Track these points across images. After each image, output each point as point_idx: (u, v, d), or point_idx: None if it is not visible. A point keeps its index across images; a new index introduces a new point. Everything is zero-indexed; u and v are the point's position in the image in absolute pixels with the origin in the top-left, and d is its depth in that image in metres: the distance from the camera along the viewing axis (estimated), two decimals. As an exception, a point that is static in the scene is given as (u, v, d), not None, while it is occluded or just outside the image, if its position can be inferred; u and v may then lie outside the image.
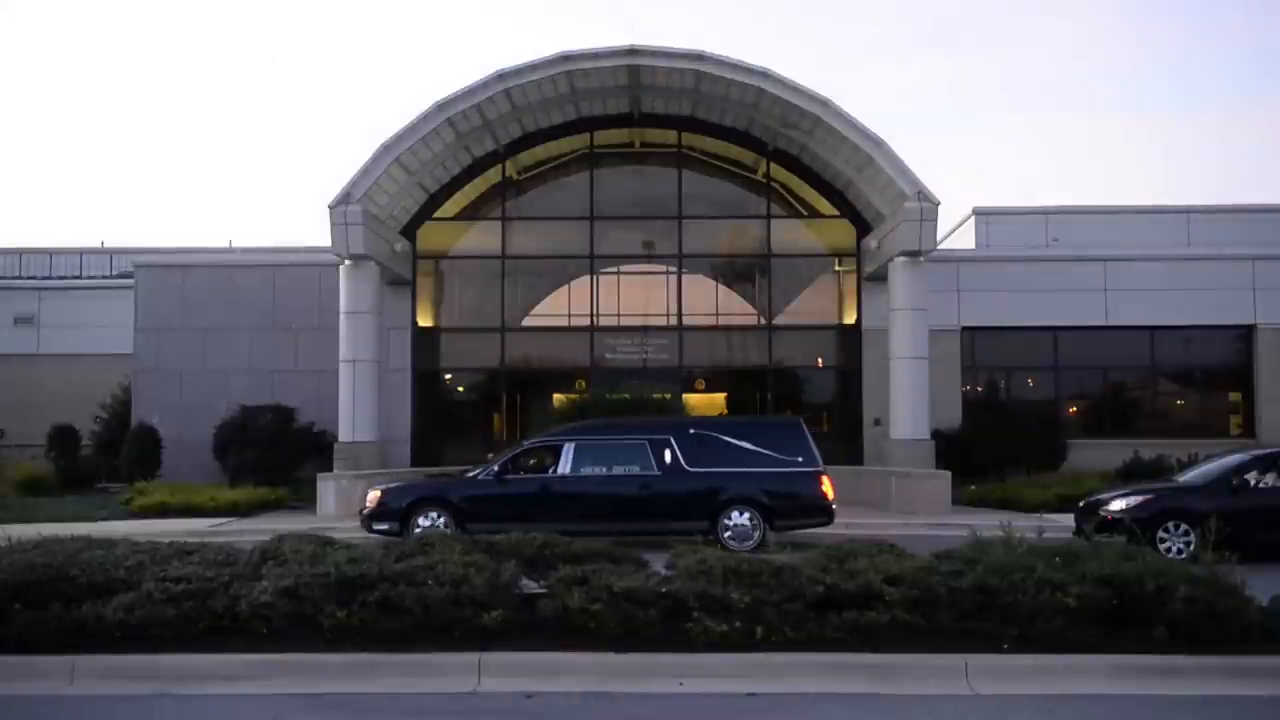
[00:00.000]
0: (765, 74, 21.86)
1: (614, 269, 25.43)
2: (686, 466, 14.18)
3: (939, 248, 23.27)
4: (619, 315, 25.23)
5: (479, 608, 7.58)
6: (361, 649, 7.44)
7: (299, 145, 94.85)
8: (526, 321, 25.56)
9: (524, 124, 24.28)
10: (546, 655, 7.44)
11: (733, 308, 25.61)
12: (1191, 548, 12.79)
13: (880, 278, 23.51)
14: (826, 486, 14.37)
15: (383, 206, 22.61)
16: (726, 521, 13.90)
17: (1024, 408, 24.42)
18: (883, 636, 7.47)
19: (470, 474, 14.77)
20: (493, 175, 25.24)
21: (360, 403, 21.71)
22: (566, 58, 22.00)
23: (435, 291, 25.82)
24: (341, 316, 22.08)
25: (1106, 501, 14.41)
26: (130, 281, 26.05)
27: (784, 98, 22.03)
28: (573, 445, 14.43)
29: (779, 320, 25.39)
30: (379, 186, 21.95)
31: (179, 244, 32.07)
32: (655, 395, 20.28)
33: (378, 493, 14.58)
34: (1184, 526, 13.44)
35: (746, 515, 14.00)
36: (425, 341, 25.16)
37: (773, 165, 25.03)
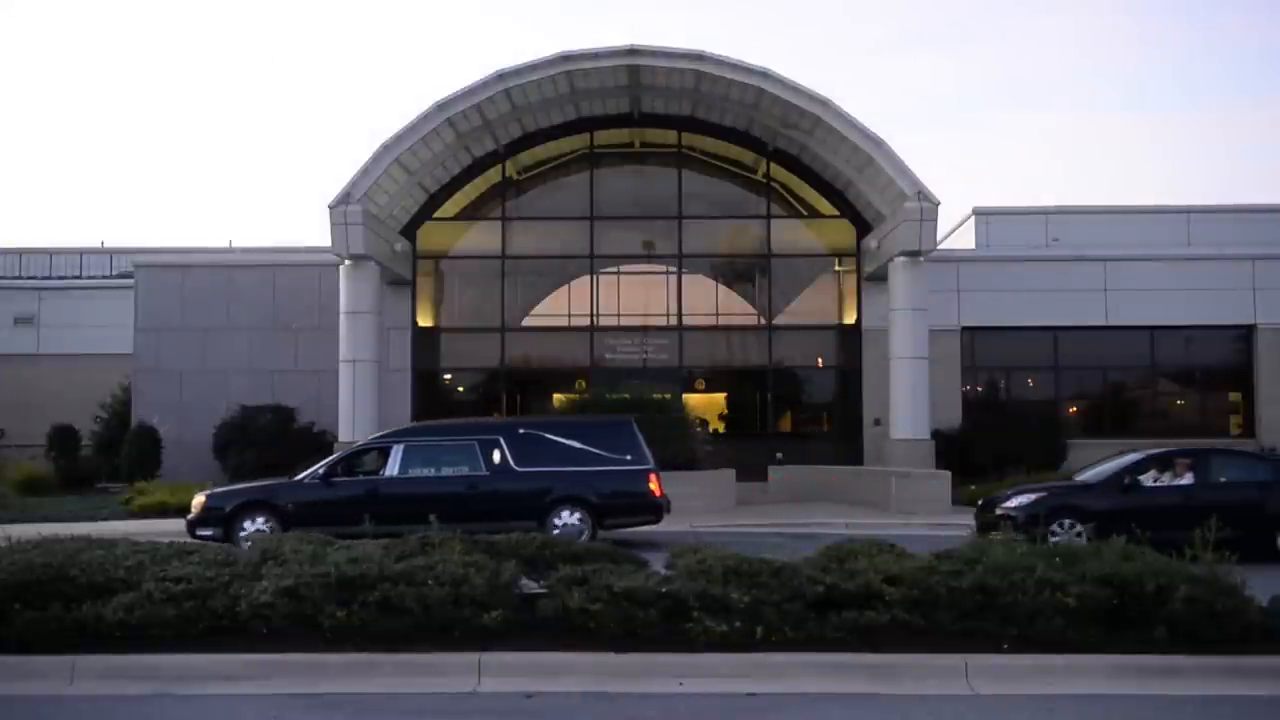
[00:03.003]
0: (765, 74, 21.87)
1: (614, 269, 25.44)
2: (515, 466, 14.16)
3: (939, 248, 23.29)
4: (619, 315, 25.24)
5: (479, 608, 7.58)
6: (361, 649, 7.43)
7: (299, 145, 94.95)
8: (526, 321, 25.57)
9: (524, 124, 24.29)
10: (546, 655, 7.44)
11: (733, 308, 25.62)
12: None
13: (880, 278, 23.51)
14: (655, 485, 14.37)
15: (383, 206, 22.61)
16: (555, 521, 13.83)
17: (1024, 408, 24.42)
18: (883, 636, 7.46)
19: (298, 477, 14.62)
20: (493, 175, 25.25)
21: (360, 403, 21.71)
22: (566, 58, 22.01)
23: (435, 291, 25.82)
24: (341, 316, 22.09)
25: (1004, 499, 14.54)
26: (130, 281, 26.06)
27: (784, 98, 22.04)
28: (401, 447, 14.38)
29: (779, 320, 25.39)
30: (379, 186, 21.96)
31: (179, 244, 32.00)
32: (655, 395, 20.28)
33: (202, 497, 14.37)
34: (1074, 523, 13.62)
35: (575, 514, 13.99)
36: (425, 341, 25.16)
37: (773, 165, 25.04)
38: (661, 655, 7.38)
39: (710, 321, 25.37)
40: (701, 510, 18.58)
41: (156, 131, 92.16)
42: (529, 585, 8.22)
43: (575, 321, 25.21)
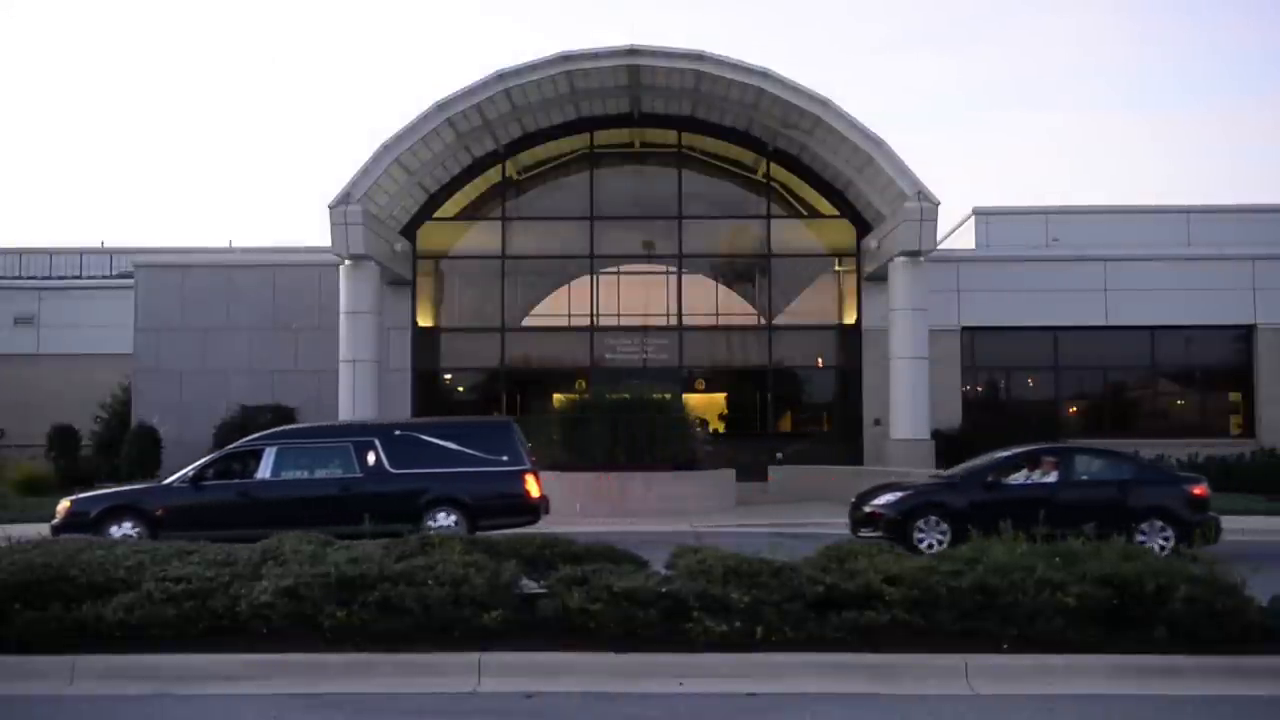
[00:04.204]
0: (765, 74, 21.88)
1: (614, 269, 25.45)
2: (390, 468, 13.98)
3: (939, 248, 23.30)
4: (619, 315, 25.24)
5: (479, 608, 7.57)
6: (361, 649, 7.43)
7: (299, 145, 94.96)
8: (526, 321, 25.58)
9: (524, 124, 24.29)
10: (546, 655, 7.44)
11: (733, 308, 25.62)
12: (945, 541, 13.29)
13: (880, 278, 23.52)
14: (532, 485, 14.25)
15: (383, 206, 22.62)
16: (430, 522, 13.60)
17: (1024, 408, 24.44)
18: (883, 636, 7.46)
19: (167, 481, 14.39)
20: (493, 175, 25.26)
21: (360, 403, 21.71)
22: (566, 58, 22.01)
23: (435, 291, 25.83)
24: (341, 316, 22.09)
25: (872, 496, 14.63)
26: (130, 281, 26.07)
27: (784, 98, 22.05)
28: (274, 449, 14.14)
29: (779, 320, 25.40)
30: (379, 186, 21.96)
31: (179, 244, 31.99)
32: (655, 395, 20.29)
33: (67, 502, 14.04)
34: (938, 520, 13.76)
35: (451, 516, 13.85)
36: (425, 341, 25.17)
37: (773, 165, 25.04)
38: (661, 655, 7.38)
39: (710, 321, 25.38)
40: (701, 510, 18.60)
41: (156, 131, 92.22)
42: (529, 585, 8.22)
43: (575, 321, 25.22)
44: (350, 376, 21.80)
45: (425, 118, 22.05)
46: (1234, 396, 25.43)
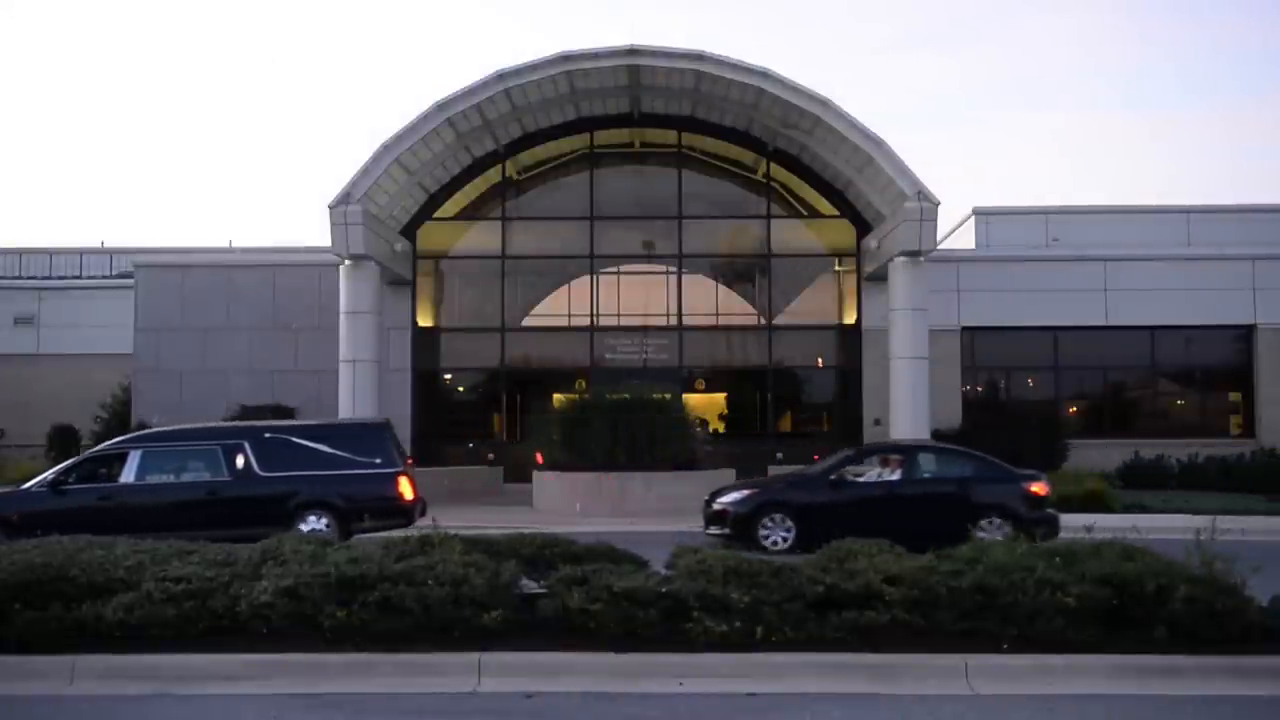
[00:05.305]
0: (765, 74, 21.87)
1: (614, 269, 25.45)
2: (259, 471, 13.68)
3: (939, 248, 23.29)
4: (619, 315, 25.25)
5: (479, 608, 7.57)
6: (361, 649, 7.43)
7: (299, 145, 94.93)
8: (526, 321, 25.58)
9: (524, 124, 24.29)
10: (546, 655, 7.44)
11: (733, 308, 25.63)
12: (790, 539, 13.45)
13: (880, 278, 23.51)
14: (405, 487, 14.00)
15: (383, 206, 22.62)
16: (301, 526, 13.23)
17: (1024, 408, 24.42)
18: (883, 636, 7.46)
19: (26, 485, 14.01)
20: (493, 175, 25.26)
21: (360, 403, 21.71)
22: (566, 58, 22.01)
23: (435, 291, 25.83)
24: (341, 316, 22.09)
25: (722, 494, 14.71)
26: (130, 281, 26.08)
27: (784, 98, 22.04)
28: (139, 452, 13.80)
29: (779, 320, 25.40)
30: (379, 186, 21.96)
31: (179, 244, 32.02)
32: (655, 395, 20.28)
33: None
34: (784, 518, 13.86)
35: (322, 519, 13.60)
36: (425, 341, 25.17)
37: (773, 165, 25.04)
38: (661, 655, 7.38)
39: (710, 321, 25.38)
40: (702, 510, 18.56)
41: (156, 131, 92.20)
42: (529, 585, 8.22)
43: (575, 321, 25.22)
44: (350, 376, 21.80)
45: (425, 118, 22.04)
46: (1234, 396, 25.43)
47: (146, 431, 15.65)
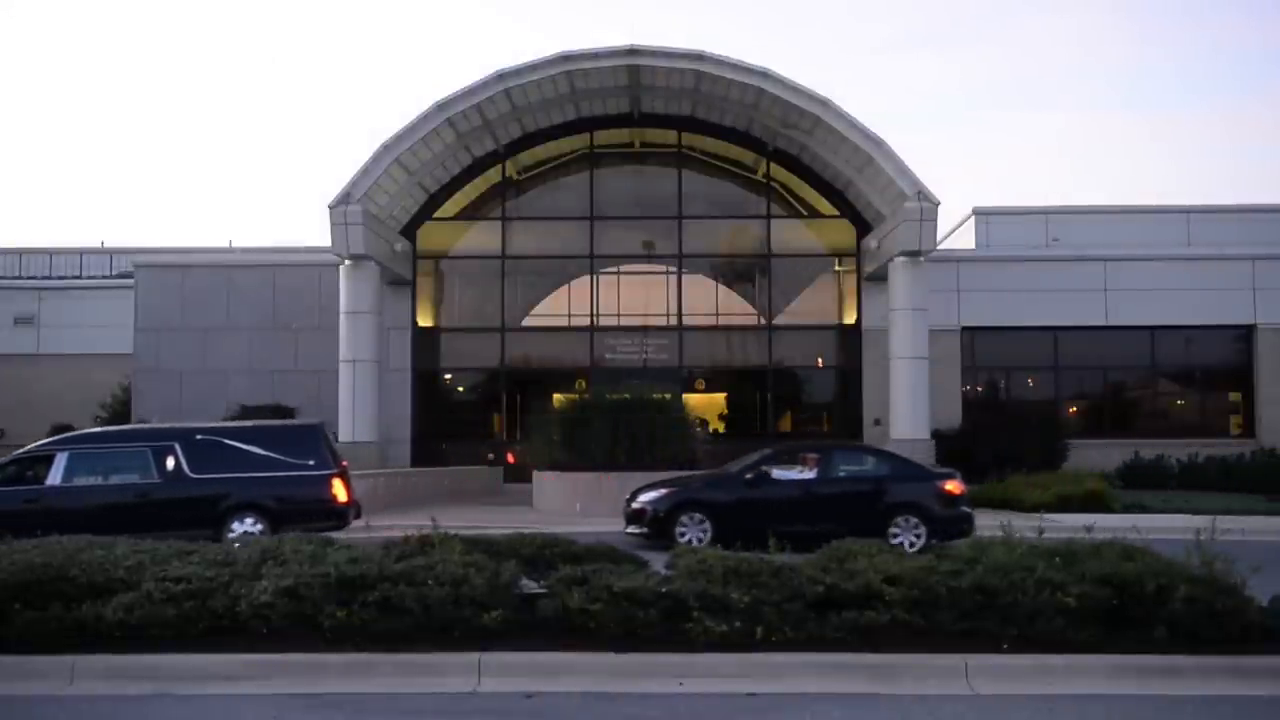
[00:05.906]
0: (765, 74, 21.89)
1: (614, 269, 25.46)
2: (190, 473, 13.45)
3: (939, 248, 23.30)
4: (619, 315, 25.26)
5: (479, 608, 7.57)
6: (361, 649, 7.42)
7: (299, 145, 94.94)
8: (526, 321, 25.59)
9: (524, 124, 24.30)
10: (546, 655, 7.43)
11: (733, 308, 25.63)
12: (706, 539, 13.36)
13: (880, 278, 23.52)
14: (339, 489, 13.79)
15: (383, 206, 22.62)
16: (232, 528, 13.13)
17: (1024, 408, 24.44)
18: (883, 636, 7.46)
19: None
20: (493, 175, 25.27)
21: (360, 403, 21.73)
22: (566, 58, 22.02)
23: (435, 291, 25.84)
24: (341, 316, 22.09)
25: (641, 493, 14.65)
26: (130, 281, 26.09)
27: (784, 98, 22.05)
28: (66, 455, 13.46)
29: (779, 320, 25.41)
30: (379, 186, 21.97)
31: (179, 244, 32.02)
32: (655, 395, 20.28)
33: None
34: (701, 517, 13.82)
35: (254, 522, 13.38)
36: (425, 341, 25.18)
37: (773, 165, 25.05)
38: (661, 655, 7.37)
39: (710, 321, 25.39)
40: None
41: (156, 131, 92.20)
42: (529, 585, 8.21)
43: (575, 321, 25.23)
44: (350, 376, 21.81)
45: (425, 118, 22.06)
46: (1234, 396, 25.45)
47: (74, 433, 15.35)
